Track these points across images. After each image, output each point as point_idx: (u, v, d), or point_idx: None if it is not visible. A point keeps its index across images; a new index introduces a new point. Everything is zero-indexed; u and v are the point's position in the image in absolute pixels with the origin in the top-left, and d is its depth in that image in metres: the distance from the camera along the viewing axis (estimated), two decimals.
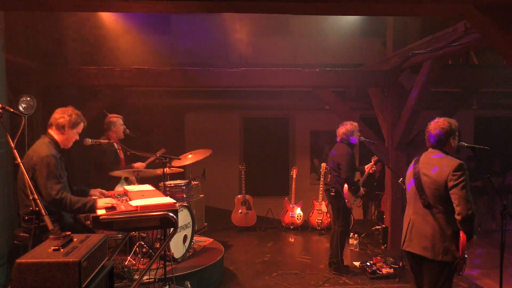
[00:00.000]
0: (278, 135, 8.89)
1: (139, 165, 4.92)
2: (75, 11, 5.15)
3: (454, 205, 2.75)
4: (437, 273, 2.87)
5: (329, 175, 5.04)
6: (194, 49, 7.70)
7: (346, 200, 4.77)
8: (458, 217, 2.73)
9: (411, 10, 3.45)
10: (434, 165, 2.91)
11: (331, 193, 4.90)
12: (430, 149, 3.04)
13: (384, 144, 5.97)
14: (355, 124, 4.92)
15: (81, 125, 3.33)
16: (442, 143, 2.96)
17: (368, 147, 5.88)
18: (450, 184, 2.76)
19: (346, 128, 4.86)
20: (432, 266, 2.89)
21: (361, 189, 4.94)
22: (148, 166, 4.95)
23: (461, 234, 2.80)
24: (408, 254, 3.09)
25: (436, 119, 3.03)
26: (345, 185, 4.74)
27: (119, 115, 4.93)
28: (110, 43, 6.60)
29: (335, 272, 4.91)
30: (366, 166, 5.23)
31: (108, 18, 6.40)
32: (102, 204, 3.04)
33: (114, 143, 4.73)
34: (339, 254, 4.90)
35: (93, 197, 3.31)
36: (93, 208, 3.00)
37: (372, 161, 5.26)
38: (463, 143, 3.17)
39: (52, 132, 3.23)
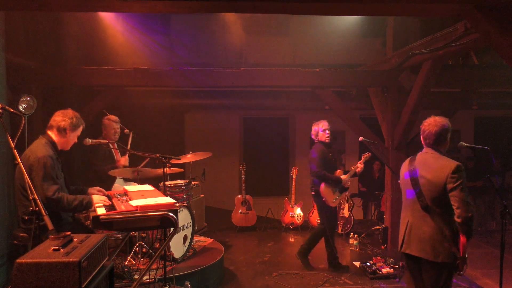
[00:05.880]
0: (278, 135, 8.88)
1: (123, 161, 4.90)
2: (75, 11, 5.14)
3: (454, 207, 2.73)
4: (437, 274, 2.86)
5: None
6: (194, 49, 7.69)
7: (323, 199, 4.84)
8: (458, 220, 2.72)
9: (411, 10, 3.45)
10: (431, 166, 2.88)
11: (312, 193, 5.00)
12: (425, 149, 3.00)
13: (384, 144, 5.97)
14: (322, 123, 4.98)
15: (81, 128, 3.36)
16: (439, 141, 2.92)
17: (368, 147, 5.88)
18: (449, 186, 2.74)
19: (313, 128, 5.02)
20: (431, 268, 2.87)
21: (344, 177, 4.94)
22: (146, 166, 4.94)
23: (461, 235, 2.78)
24: (407, 257, 3.06)
25: (432, 117, 2.98)
26: (322, 184, 4.82)
27: (112, 119, 4.89)
28: (110, 43, 6.60)
29: (334, 270, 4.94)
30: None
31: (108, 18, 6.39)
32: (98, 199, 3.11)
33: (111, 143, 4.72)
34: (333, 251, 4.97)
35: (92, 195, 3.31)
36: (90, 205, 3.08)
37: (363, 158, 5.25)
38: (463, 143, 3.16)
39: (52, 133, 3.24)
